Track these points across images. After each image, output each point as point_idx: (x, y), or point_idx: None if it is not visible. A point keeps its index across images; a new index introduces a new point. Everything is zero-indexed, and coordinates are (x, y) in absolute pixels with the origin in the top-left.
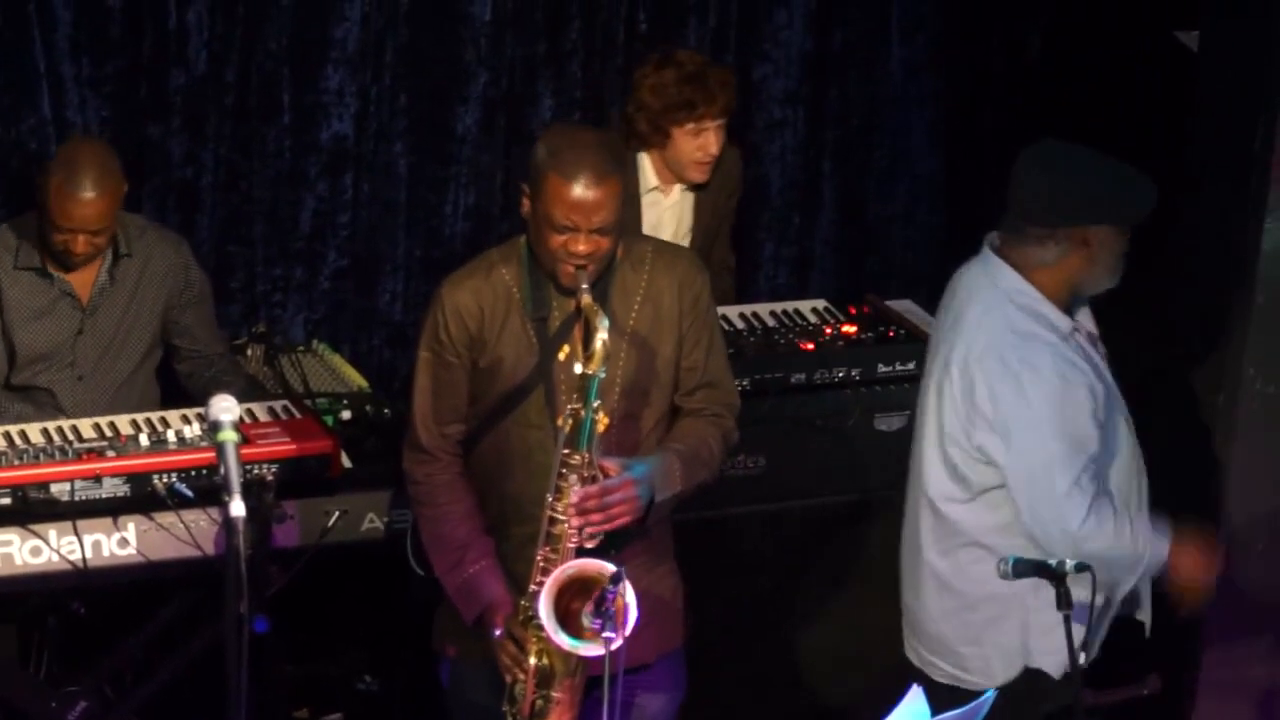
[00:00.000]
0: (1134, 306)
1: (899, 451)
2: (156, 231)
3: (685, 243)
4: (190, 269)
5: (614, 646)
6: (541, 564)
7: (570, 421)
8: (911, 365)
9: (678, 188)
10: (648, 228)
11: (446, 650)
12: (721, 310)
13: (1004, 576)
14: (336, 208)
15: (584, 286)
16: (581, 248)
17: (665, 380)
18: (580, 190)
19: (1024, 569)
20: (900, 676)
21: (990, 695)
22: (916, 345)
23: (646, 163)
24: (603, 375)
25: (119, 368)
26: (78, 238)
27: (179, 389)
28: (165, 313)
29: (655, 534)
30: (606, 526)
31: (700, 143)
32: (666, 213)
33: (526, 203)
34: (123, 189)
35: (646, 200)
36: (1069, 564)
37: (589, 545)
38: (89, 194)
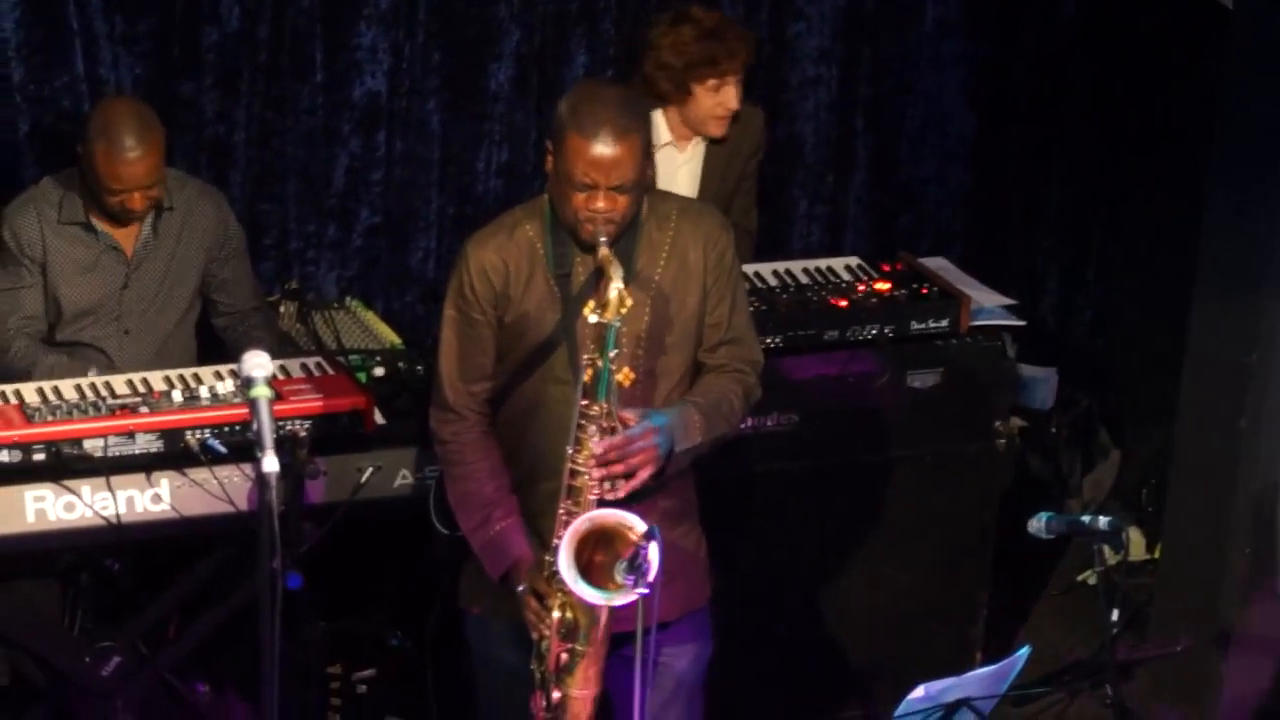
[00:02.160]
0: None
1: (931, 409)
2: (196, 185)
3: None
4: (229, 223)
5: (632, 600)
6: (564, 517)
7: (588, 372)
8: (944, 323)
9: (693, 143)
10: (663, 183)
11: (472, 608)
12: (754, 267)
13: (1037, 533)
14: (369, 165)
15: (603, 241)
16: (601, 205)
17: (689, 335)
18: (599, 148)
19: (1058, 526)
20: (929, 634)
21: (1025, 651)
22: (949, 303)
23: (660, 119)
24: (618, 324)
25: (163, 321)
26: (133, 195)
27: (214, 345)
28: (205, 266)
29: (678, 491)
30: (630, 480)
31: (720, 98)
32: (683, 169)
33: (550, 159)
34: (164, 138)
35: (660, 156)
36: (1102, 521)
37: (610, 497)
38: (134, 152)
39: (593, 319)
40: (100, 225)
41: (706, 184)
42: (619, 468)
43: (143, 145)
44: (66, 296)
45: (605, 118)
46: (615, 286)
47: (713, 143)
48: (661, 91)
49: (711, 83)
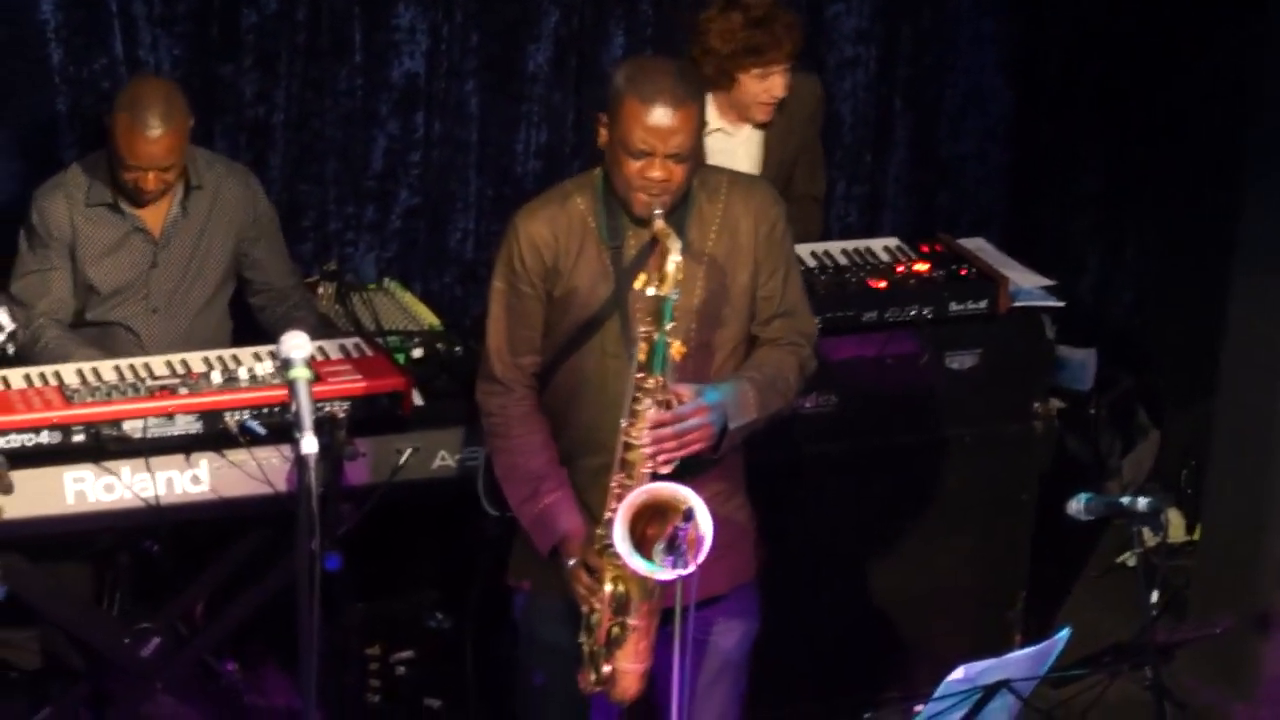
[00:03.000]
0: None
1: (970, 390)
2: (225, 164)
3: None
4: (259, 200)
5: (688, 573)
6: (616, 490)
7: (644, 345)
8: (983, 304)
9: (747, 125)
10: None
11: (521, 584)
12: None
13: (1076, 515)
14: (408, 146)
15: (657, 213)
16: (656, 173)
17: (741, 307)
18: (658, 114)
19: (1097, 507)
20: (968, 615)
21: (1064, 633)
22: (988, 284)
23: (710, 102)
24: (675, 297)
25: (193, 300)
26: (148, 175)
27: (252, 324)
28: (236, 245)
29: (730, 465)
30: (681, 452)
31: (766, 86)
32: (739, 149)
33: (603, 132)
34: (189, 123)
35: (713, 141)
36: (1141, 502)
37: (664, 471)
38: (156, 131)
39: (649, 291)
40: (127, 206)
41: (767, 160)
42: (672, 443)
43: (165, 126)
44: (95, 277)
45: (664, 85)
46: (673, 259)
47: (764, 125)
48: (707, 76)
49: (756, 71)
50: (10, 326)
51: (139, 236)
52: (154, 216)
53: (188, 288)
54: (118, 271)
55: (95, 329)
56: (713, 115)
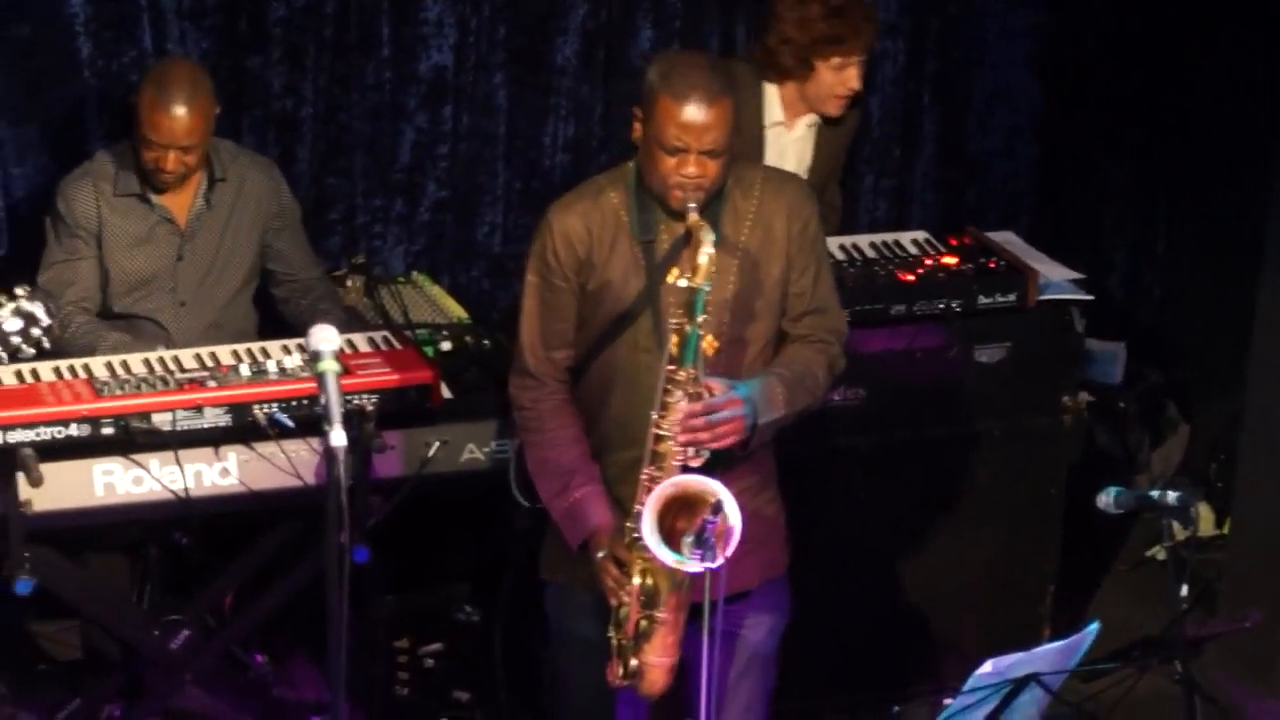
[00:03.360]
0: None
1: (999, 383)
2: (248, 156)
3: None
4: (282, 192)
5: (716, 566)
6: (647, 483)
7: (676, 337)
8: (1012, 297)
9: (802, 123)
10: (771, 162)
11: (552, 578)
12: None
13: (1106, 508)
14: (436, 139)
15: (692, 208)
16: (691, 169)
17: (773, 302)
18: (692, 110)
19: (1126, 501)
20: (997, 609)
21: (1094, 627)
22: (1017, 277)
23: (774, 96)
24: (708, 290)
25: (219, 293)
26: (168, 154)
27: (275, 317)
28: (261, 237)
29: (760, 459)
30: (713, 445)
31: (844, 77)
32: (790, 146)
33: (638, 126)
34: (214, 109)
35: (770, 134)
36: (1171, 496)
37: (694, 464)
38: (180, 109)
39: (682, 283)
40: (154, 197)
41: (816, 164)
42: (704, 435)
43: (189, 104)
44: (122, 268)
45: (697, 82)
46: (706, 251)
47: (827, 122)
48: (784, 66)
49: (836, 61)
50: (47, 321)
51: (166, 228)
52: (180, 208)
53: (214, 280)
54: (144, 263)
55: (123, 322)
56: (775, 108)
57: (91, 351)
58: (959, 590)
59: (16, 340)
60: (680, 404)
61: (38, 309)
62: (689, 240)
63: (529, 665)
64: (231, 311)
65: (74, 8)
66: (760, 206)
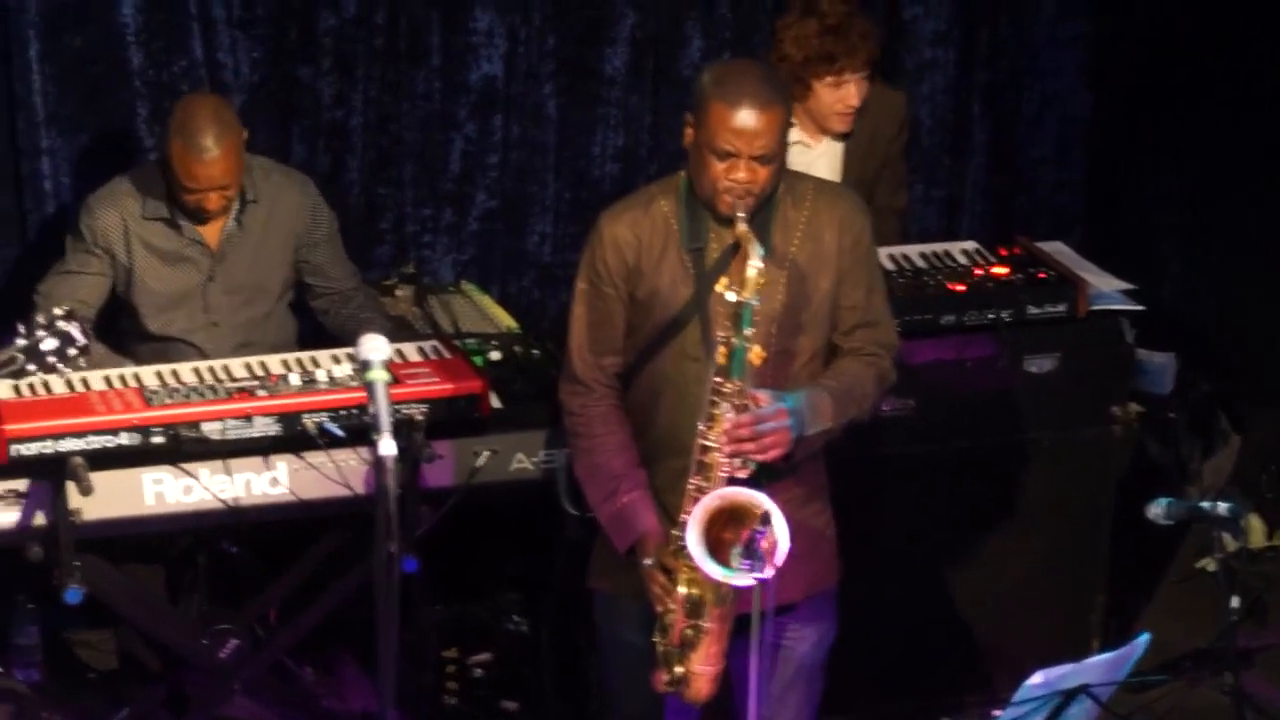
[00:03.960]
0: None
1: (1049, 393)
2: (282, 173)
3: None
4: (318, 207)
5: (764, 578)
6: (693, 493)
7: (723, 349)
8: (1062, 307)
9: (825, 138)
10: None
11: (600, 585)
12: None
13: (1156, 519)
14: (485, 149)
15: (741, 215)
16: (742, 175)
17: (821, 315)
18: (743, 116)
19: (1177, 512)
20: (1047, 620)
21: (1144, 638)
22: (1067, 287)
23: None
24: (755, 303)
25: (252, 312)
26: (209, 195)
27: (316, 324)
28: (295, 253)
29: (808, 471)
30: (759, 456)
31: (840, 95)
32: (818, 161)
33: (690, 132)
34: (242, 138)
35: (792, 152)
36: (1221, 507)
37: (741, 475)
38: (211, 153)
39: (729, 297)
40: (184, 221)
41: (846, 175)
42: (750, 446)
43: (219, 146)
44: (151, 289)
45: (749, 88)
46: (753, 264)
47: (844, 136)
48: None
49: (830, 80)
50: (83, 341)
51: (196, 250)
52: (211, 230)
53: (246, 300)
54: (175, 285)
55: (158, 343)
56: (792, 129)
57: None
58: (1008, 601)
59: (53, 360)
60: (727, 415)
61: (74, 329)
62: (737, 250)
63: (577, 674)
64: (265, 329)
65: (125, 17)
66: (811, 218)
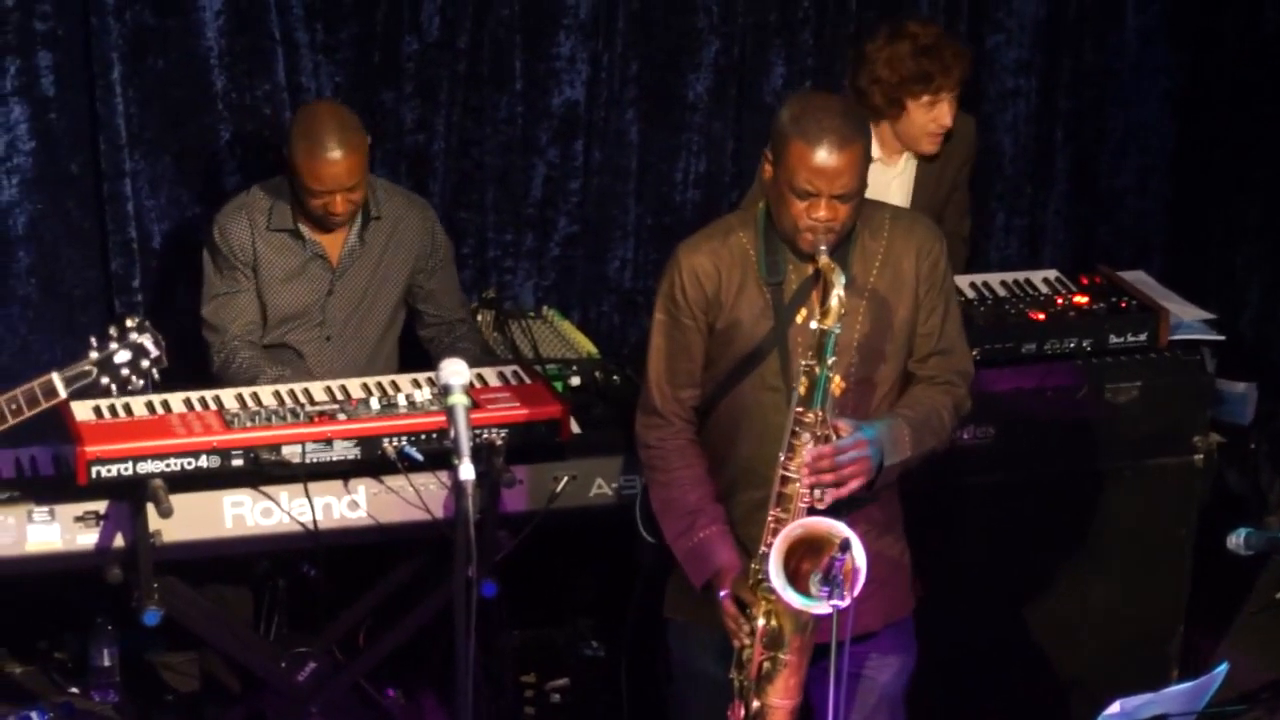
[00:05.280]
0: None
1: (1129, 423)
2: (403, 195)
3: None
4: (436, 232)
5: (844, 605)
6: (773, 525)
7: (805, 379)
8: (1143, 336)
9: (903, 158)
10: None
11: (676, 616)
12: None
13: (1236, 550)
14: (567, 174)
15: (822, 249)
16: (822, 214)
17: (901, 343)
18: (823, 156)
19: (1257, 542)
20: (1126, 649)
21: (1223, 668)
22: (1148, 316)
23: (872, 134)
24: (838, 332)
25: (366, 330)
26: (335, 197)
27: (418, 356)
28: (411, 276)
29: (885, 500)
30: (840, 488)
31: (935, 114)
32: (894, 183)
33: (769, 168)
34: (367, 143)
35: (870, 172)
36: None
37: (820, 506)
38: (336, 153)
39: (813, 325)
40: (308, 233)
41: (918, 197)
42: (830, 476)
43: (344, 146)
44: (272, 302)
45: (829, 126)
46: (837, 294)
47: (923, 158)
48: (875, 106)
49: (926, 99)
50: (155, 353)
51: (317, 264)
52: (333, 244)
53: (362, 318)
54: (295, 297)
55: (269, 351)
56: (873, 146)
57: (250, 384)
58: (1087, 630)
59: (126, 372)
60: (807, 446)
61: (147, 340)
62: (818, 281)
63: (655, 700)
64: (377, 351)
65: (209, 41)
66: (889, 247)
